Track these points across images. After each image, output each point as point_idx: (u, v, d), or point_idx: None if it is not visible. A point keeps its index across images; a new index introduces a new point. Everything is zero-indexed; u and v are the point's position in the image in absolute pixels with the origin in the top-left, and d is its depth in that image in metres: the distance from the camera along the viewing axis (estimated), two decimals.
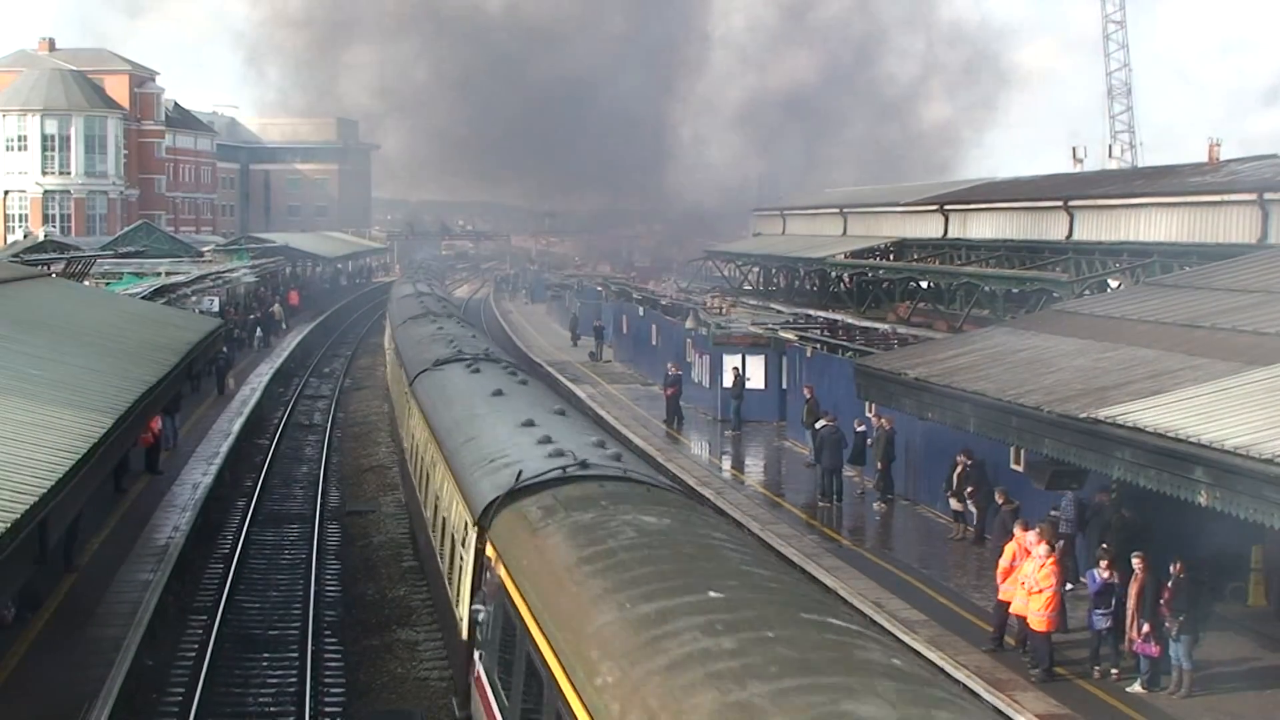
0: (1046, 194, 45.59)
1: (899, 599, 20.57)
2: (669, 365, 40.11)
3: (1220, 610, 18.26)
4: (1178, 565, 16.64)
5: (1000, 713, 16.02)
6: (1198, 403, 15.65)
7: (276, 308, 66.45)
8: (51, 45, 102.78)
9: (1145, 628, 16.61)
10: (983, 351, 22.74)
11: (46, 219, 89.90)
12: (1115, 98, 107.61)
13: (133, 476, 28.29)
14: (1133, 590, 16.96)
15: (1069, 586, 19.24)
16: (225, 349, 43.71)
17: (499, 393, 19.86)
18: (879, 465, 27.52)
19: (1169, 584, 16.68)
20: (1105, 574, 17.26)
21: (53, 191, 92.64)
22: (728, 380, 37.66)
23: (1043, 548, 17.64)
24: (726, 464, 33.23)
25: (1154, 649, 16.60)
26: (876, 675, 7.46)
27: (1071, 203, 42.19)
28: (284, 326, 64.34)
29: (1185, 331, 19.82)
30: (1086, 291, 34.56)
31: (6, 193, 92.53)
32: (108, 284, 51.91)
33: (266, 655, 19.49)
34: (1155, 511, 18.28)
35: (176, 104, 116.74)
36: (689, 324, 42.98)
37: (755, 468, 33.24)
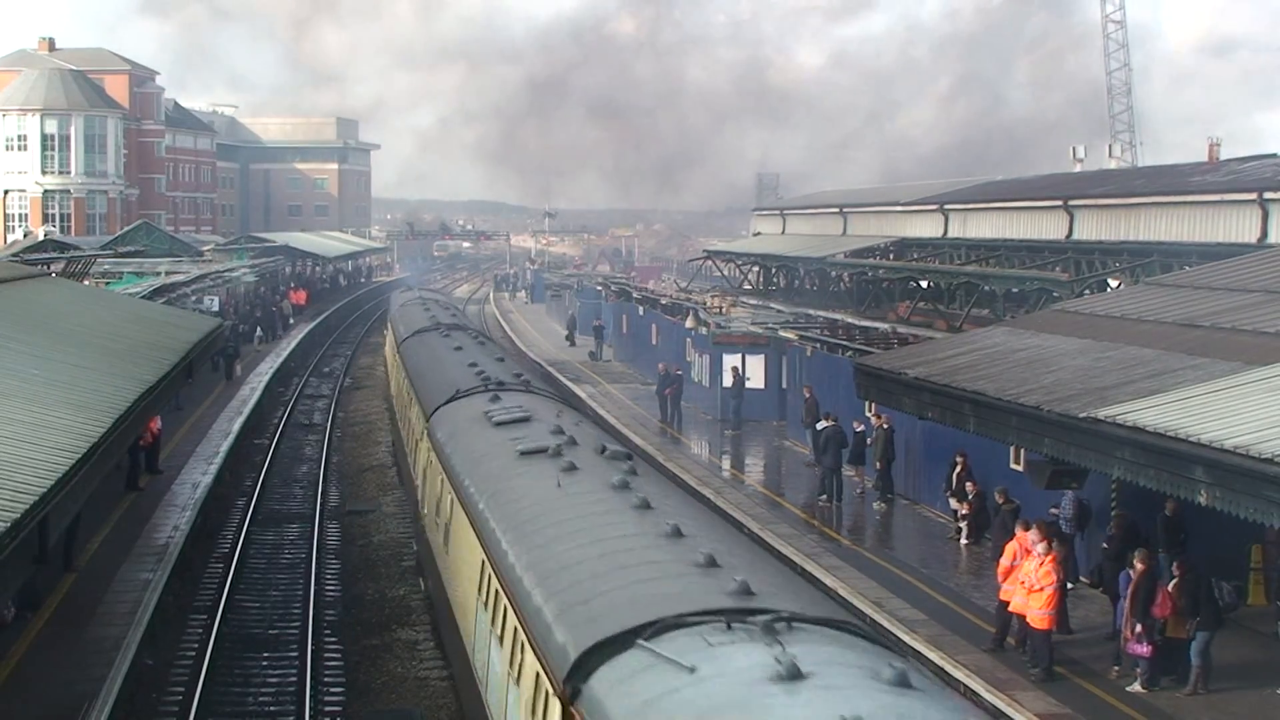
0: (1046, 194, 45.60)
1: (899, 598, 20.57)
2: (660, 365, 40.11)
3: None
4: (1180, 564, 16.69)
5: (1000, 713, 16.03)
6: (1198, 402, 15.64)
7: (286, 303, 67.71)
8: (51, 45, 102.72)
9: (1138, 628, 16.62)
10: (983, 351, 22.72)
11: (46, 218, 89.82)
12: (1115, 97, 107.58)
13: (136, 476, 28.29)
14: (1130, 590, 16.96)
15: (1070, 586, 19.26)
16: (232, 340, 46.59)
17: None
18: (878, 464, 27.53)
19: (1168, 585, 16.69)
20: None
21: (52, 191, 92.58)
22: (727, 380, 37.66)
23: (1042, 545, 17.63)
24: (726, 464, 33.25)
25: (1144, 649, 16.62)
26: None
27: (1071, 202, 42.19)
28: (291, 321, 65.10)
29: (1185, 331, 19.81)
30: (1086, 291, 34.54)
31: (6, 192, 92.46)
32: (108, 284, 51.95)
33: (266, 655, 19.50)
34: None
35: (176, 103, 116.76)
36: (689, 323, 42.99)
37: (755, 467, 33.24)
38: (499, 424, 17.23)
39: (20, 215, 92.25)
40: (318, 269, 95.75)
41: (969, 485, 24.05)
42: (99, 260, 54.88)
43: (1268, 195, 32.68)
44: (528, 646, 9.99)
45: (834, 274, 57.03)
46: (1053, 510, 20.88)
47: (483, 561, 12.84)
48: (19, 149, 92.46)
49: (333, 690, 18.08)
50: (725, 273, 74.77)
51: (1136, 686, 16.71)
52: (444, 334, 32.05)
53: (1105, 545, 19.70)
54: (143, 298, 41.19)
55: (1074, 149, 71.95)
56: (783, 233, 72.68)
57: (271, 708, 17.58)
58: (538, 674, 9.47)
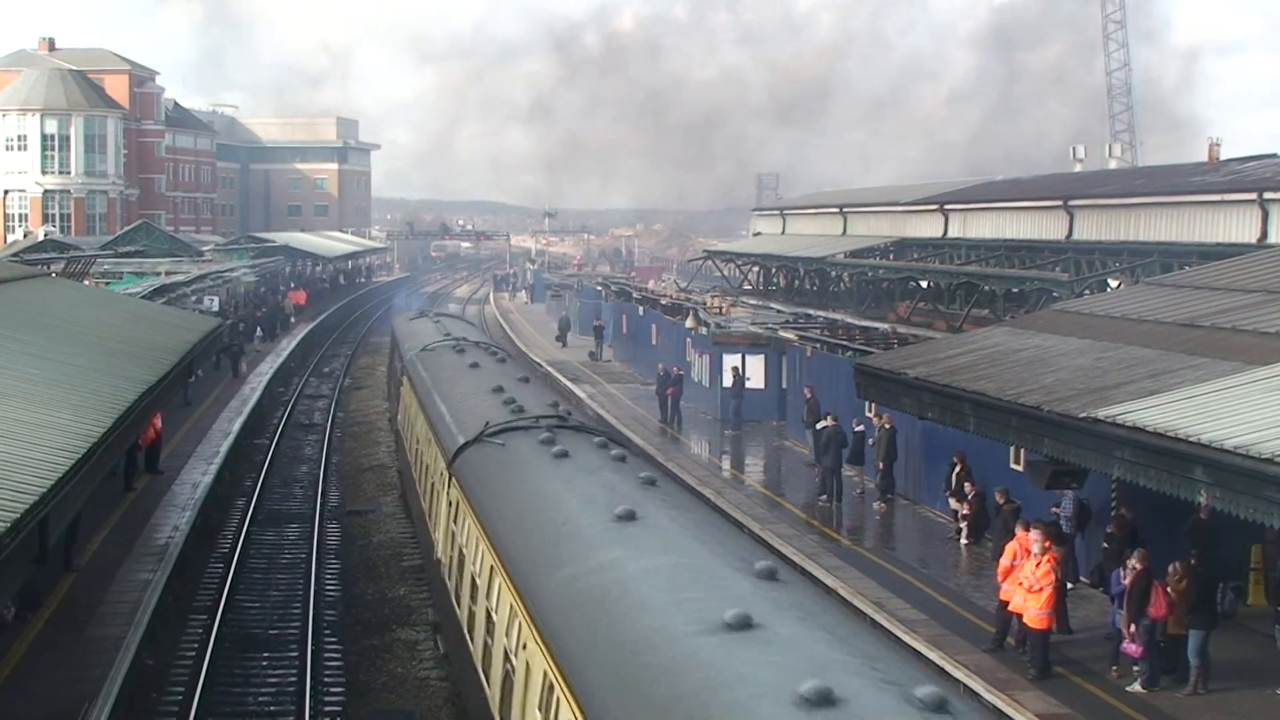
0: (1046, 194, 45.62)
1: (899, 599, 20.57)
2: (660, 365, 40.12)
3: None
4: (1192, 560, 16.67)
5: (1000, 712, 16.03)
6: (1198, 402, 15.64)
7: (287, 303, 68.15)
8: (51, 45, 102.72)
9: (1132, 627, 16.63)
10: (983, 351, 22.73)
11: (46, 219, 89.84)
12: (1115, 98, 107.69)
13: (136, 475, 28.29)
14: (1127, 590, 16.96)
15: (1069, 586, 19.26)
16: (235, 339, 47.90)
17: None
18: (879, 464, 27.52)
19: (1165, 585, 16.69)
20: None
21: (53, 191, 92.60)
22: (727, 380, 37.66)
23: (1039, 545, 17.63)
24: (726, 463, 33.25)
25: (1136, 648, 16.63)
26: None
27: (1071, 202, 42.21)
28: (292, 321, 65.36)
29: (1185, 331, 19.81)
30: (1086, 291, 34.54)
31: (6, 192, 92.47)
32: (108, 284, 52.04)
33: (266, 655, 19.50)
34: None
35: (176, 104, 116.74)
36: (689, 323, 42.99)
37: (755, 467, 33.24)
38: None
39: (20, 215, 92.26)
40: (317, 269, 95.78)
41: (968, 485, 24.08)
42: (99, 260, 54.99)
43: (1268, 195, 32.69)
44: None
45: (834, 274, 57.04)
46: (1053, 510, 20.89)
47: None
48: (19, 149, 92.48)
49: (333, 690, 18.08)
50: (725, 273, 74.80)
51: (1136, 686, 16.71)
52: (549, 443, 15.53)
53: (1105, 545, 19.72)
54: (143, 298, 41.24)
55: (1074, 149, 71.97)
56: (783, 233, 72.67)
57: (271, 708, 17.58)
58: None
